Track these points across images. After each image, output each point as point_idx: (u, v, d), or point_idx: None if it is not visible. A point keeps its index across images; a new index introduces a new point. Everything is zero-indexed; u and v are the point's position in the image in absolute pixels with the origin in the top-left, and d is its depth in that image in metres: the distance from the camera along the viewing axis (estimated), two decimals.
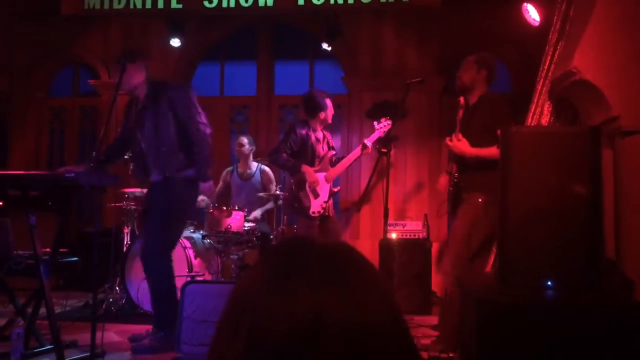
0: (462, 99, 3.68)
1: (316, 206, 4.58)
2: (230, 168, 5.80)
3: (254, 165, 5.73)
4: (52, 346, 3.40)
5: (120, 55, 3.91)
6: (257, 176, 5.68)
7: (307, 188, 4.58)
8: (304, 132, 4.60)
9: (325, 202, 4.61)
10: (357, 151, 4.74)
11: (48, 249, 3.59)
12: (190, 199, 3.99)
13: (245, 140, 5.68)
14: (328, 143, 4.79)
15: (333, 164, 4.76)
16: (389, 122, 4.72)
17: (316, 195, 4.58)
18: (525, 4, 5.35)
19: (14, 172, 3.93)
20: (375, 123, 4.86)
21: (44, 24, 6.59)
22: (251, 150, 5.70)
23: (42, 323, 3.61)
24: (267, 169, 5.71)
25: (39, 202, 3.55)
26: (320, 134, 4.73)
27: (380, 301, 0.68)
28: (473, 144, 3.47)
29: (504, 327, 2.27)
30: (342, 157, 4.86)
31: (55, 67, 7.05)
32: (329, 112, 4.69)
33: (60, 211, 3.60)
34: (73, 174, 3.31)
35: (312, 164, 4.61)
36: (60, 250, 3.65)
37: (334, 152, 4.82)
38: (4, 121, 6.95)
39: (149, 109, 3.80)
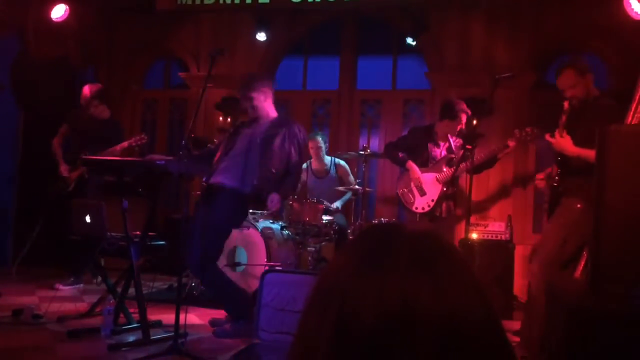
0: (566, 104, 3.51)
1: (420, 203, 4.72)
2: (304, 165, 5.81)
3: (328, 160, 5.73)
4: (139, 324, 3.59)
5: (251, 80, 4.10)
6: (333, 171, 5.69)
7: (412, 184, 4.75)
8: (420, 135, 4.84)
9: (433, 201, 4.69)
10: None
11: (138, 232, 3.78)
12: (245, 214, 4.23)
13: (319, 139, 5.63)
14: (450, 147, 4.83)
15: (450, 165, 4.74)
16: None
17: (422, 193, 4.72)
18: None
19: (109, 158, 4.17)
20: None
21: (139, 19, 6.92)
22: (323, 147, 5.67)
23: (129, 303, 3.80)
24: (341, 162, 5.70)
25: (131, 187, 3.75)
26: (443, 139, 4.83)
27: (472, 292, 0.66)
28: (577, 145, 3.31)
29: (595, 337, 2.14)
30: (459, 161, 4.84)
31: (149, 60, 7.40)
32: (455, 124, 4.74)
33: (150, 196, 3.78)
34: (163, 162, 3.47)
35: (425, 165, 4.77)
36: (149, 234, 3.84)
37: (453, 155, 4.80)
38: None
39: (279, 135, 3.95)
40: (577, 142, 3.35)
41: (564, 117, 3.50)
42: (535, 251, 3.52)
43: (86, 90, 5.37)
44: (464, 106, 4.82)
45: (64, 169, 5.28)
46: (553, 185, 3.46)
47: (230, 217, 3.92)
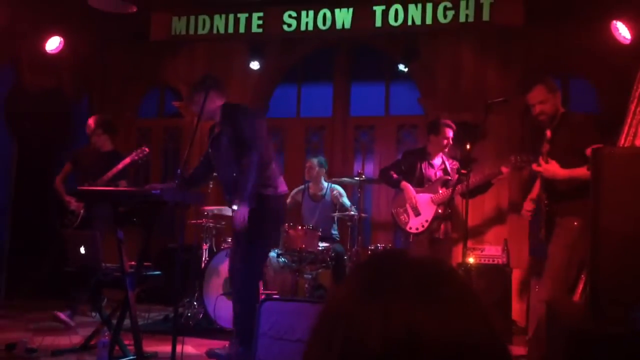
0: (549, 132, 3.57)
1: (415, 223, 4.75)
2: (301, 187, 5.82)
3: (325, 185, 5.73)
4: (134, 356, 3.53)
5: (191, 87, 4.04)
6: (328, 196, 5.68)
7: (407, 205, 4.79)
8: (413, 157, 4.92)
9: (427, 221, 4.71)
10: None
11: (133, 262, 3.75)
12: (273, 217, 4.05)
13: (314, 162, 5.67)
14: (445, 169, 4.90)
15: (446, 186, 4.78)
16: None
17: (417, 213, 4.75)
18: (614, 21, 5.12)
19: (105, 189, 4.15)
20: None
21: (133, 49, 6.98)
22: (321, 171, 5.70)
23: (125, 334, 3.75)
24: (337, 187, 5.69)
25: (126, 217, 3.73)
26: (437, 160, 4.92)
27: (477, 317, 0.66)
28: (561, 165, 3.35)
29: (595, 359, 2.13)
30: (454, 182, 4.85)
31: (143, 89, 7.43)
32: (441, 139, 4.84)
33: (145, 226, 3.76)
34: (159, 191, 3.46)
35: (420, 185, 4.82)
36: (145, 264, 3.80)
37: (449, 177, 4.85)
38: None
39: (223, 133, 3.89)
40: (560, 163, 3.38)
41: (546, 145, 3.55)
42: (540, 275, 3.50)
43: (91, 119, 5.38)
44: (448, 121, 4.91)
45: (70, 201, 5.25)
46: (545, 209, 3.49)
47: (257, 227, 3.82)
